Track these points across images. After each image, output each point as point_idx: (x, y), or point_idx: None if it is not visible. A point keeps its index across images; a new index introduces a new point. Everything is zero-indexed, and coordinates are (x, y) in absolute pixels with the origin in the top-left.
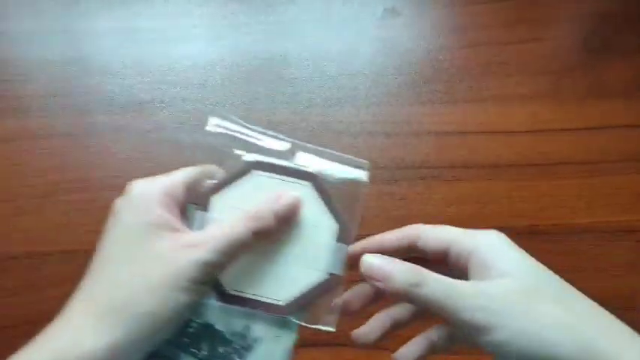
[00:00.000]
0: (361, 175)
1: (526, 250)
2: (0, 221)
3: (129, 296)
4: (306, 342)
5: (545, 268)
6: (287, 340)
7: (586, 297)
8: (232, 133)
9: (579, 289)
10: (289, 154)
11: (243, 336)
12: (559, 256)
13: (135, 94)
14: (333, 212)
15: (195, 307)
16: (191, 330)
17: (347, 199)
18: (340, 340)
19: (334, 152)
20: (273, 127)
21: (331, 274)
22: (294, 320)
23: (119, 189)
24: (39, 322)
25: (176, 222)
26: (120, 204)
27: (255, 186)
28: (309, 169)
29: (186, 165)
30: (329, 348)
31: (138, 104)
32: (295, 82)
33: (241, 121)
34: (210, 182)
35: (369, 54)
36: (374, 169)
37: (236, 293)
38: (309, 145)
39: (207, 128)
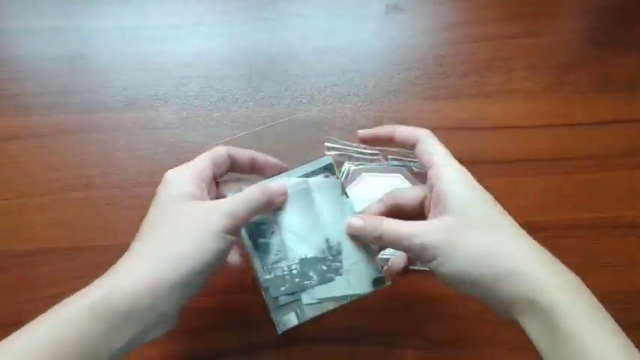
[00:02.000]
0: None
1: None
2: (1, 219)
3: (170, 245)
4: (314, 338)
5: (486, 200)
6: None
7: (516, 226)
8: (344, 152)
9: None
10: (383, 158)
11: (329, 247)
12: (561, 252)
13: (136, 91)
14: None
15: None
16: (295, 272)
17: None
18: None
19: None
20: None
21: None
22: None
23: (120, 187)
24: None
25: (202, 194)
26: (159, 188)
27: (367, 183)
28: (396, 167)
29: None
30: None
31: (140, 102)
32: (297, 78)
33: (347, 142)
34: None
35: (372, 50)
36: None
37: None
38: (394, 149)
39: (326, 152)
